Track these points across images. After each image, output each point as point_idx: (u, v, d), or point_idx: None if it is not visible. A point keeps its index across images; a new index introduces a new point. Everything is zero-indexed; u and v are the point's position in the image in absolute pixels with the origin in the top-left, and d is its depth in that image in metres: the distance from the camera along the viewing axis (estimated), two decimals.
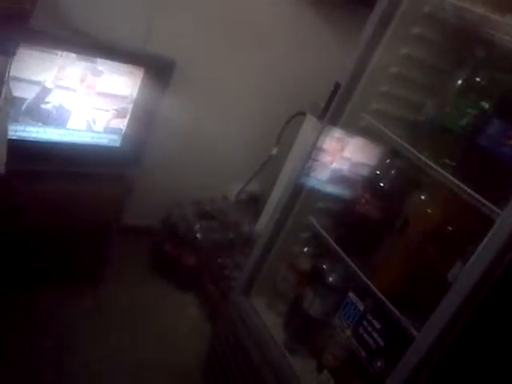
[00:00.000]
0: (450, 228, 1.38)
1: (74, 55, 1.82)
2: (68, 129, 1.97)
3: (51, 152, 1.91)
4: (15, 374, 1.75)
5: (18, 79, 1.71)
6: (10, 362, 1.77)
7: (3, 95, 1.24)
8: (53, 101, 1.86)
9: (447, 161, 1.40)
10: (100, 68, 1.91)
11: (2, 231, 1.38)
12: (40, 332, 1.94)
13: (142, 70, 1.99)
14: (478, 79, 1.36)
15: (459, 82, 1.42)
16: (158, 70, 2.02)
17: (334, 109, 1.66)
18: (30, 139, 1.88)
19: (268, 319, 1.85)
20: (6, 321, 1.87)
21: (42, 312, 2.02)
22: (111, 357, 1.98)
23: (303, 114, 2.53)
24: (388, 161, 1.62)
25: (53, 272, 2.11)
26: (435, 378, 1.28)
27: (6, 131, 1.35)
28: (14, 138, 1.81)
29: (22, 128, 1.84)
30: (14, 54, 1.23)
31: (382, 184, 1.60)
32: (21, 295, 1.99)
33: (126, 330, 2.14)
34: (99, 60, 1.89)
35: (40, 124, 1.88)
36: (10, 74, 1.51)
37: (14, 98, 1.45)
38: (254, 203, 2.84)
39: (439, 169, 1.37)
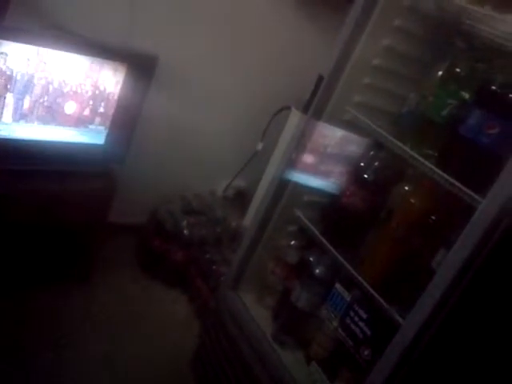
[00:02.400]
0: (433, 217, 1.40)
1: (56, 52, 1.81)
2: (51, 126, 1.95)
3: (34, 150, 1.91)
4: (7, 376, 1.74)
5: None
6: (1, 363, 1.77)
7: None
8: (34, 98, 1.85)
9: (430, 151, 1.42)
10: (83, 64, 1.90)
11: None
12: (30, 333, 1.93)
13: (125, 66, 1.99)
14: (458, 70, 1.38)
15: (440, 73, 1.43)
16: (140, 66, 2.02)
17: (318, 102, 1.67)
18: (11, 138, 1.86)
19: (257, 313, 1.86)
20: None
21: (32, 313, 2.01)
22: (102, 354, 1.98)
23: (288, 108, 2.54)
24: (372, 152, 1.63)
25: (40, 272, 2.10)
26: (421, 365, 1.30)
27: None
28: None
29: (3, 127, 1.83)
30: None
31: (366, 176, 1.61)
32: (10, 297, 1.98)
33: (115, 328, 2.14)
34: (82, 56, 1.88)
35: (22, 122, 1.87)
36: None
37: None
38: (241, 198, 2.85)
39: (422, 159, 1.38)
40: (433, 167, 1.35)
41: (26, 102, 1.84)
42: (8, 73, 1.74)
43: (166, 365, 2.07)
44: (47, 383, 1.79)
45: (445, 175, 1.31)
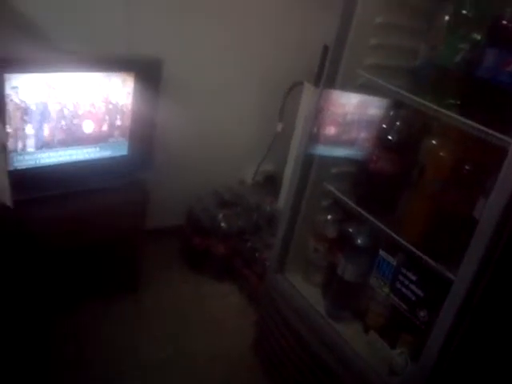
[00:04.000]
0: (466, 167, 1.37)
1: (63, 74, 1.84)
2: (73, 148, 1.99)
3: (62, 174, 1.94)
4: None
5: (15, 108, 1.74)
6: (66, 374, 1.84)
7: None
8: (52, 124, 1.88)
9: (451, 101, 1.38)
10: (91, 82, 1.92)
11: (28, 255, 1.42)
12: (91, 343, 2.01)
13: (133, 74, 1.99)
14: (464, 12, 1.32)
15: (447, 18, 1.38)
16: (147, 72, 2.02)
17: (328, 72, 1.64)
18: (38, 166, 1.90)
19: (306, 291, 1.87)
20: (56, 339, 1.94)
21: (90, 326, 2.09)
22: (164, 354, 2.05)
23: (301, 83, 2.51)
24: (392, 113, 1.60)
25: (93, 287, 2.17)
26: (481, 316, 1.28)
27: (4, 165, 1.36)
28: (20, 168, 1.85)
29: (27, 157, 1.87)
30: None
31: (390, 137, 1.58)
32: (67, 314, 2.05)
33: (173, 328, 2.20)
34: (88, 74, 1.90)
35: (45, 149, 1.91)
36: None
37: (8, 132, 1.45)
38: (271, 182, 2.84)
39: (444, 110, 1.35)
40: (456, 116, 1.31)
41: (46, 129, 1.87)
42: (22, 105, 1.77)
43: (230, 355, 2.12)
44: None
45: (470, 122, 1.26)
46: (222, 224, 2.50)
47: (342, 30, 1.58)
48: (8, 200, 1.34)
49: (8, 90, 1.71)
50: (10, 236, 1.31)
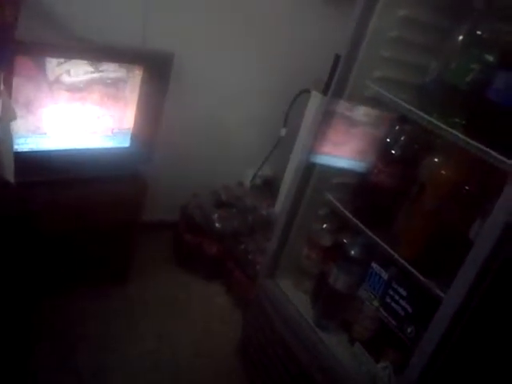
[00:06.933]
0: (466, 187, 1.37)
1: (71, 61, 1.83)
2: (76, 136, 1.98)
3: (63, 160, 1.94)
4: (54, 377, 1.80)
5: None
6: (49, 365, 1.82)
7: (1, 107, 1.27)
8: (58, 109, 1.88)
9: (457, 120, 1.37)
10: (99, 70, 1.92)
11: (22, 237, 1.42)
12: (75, 334, 1.99)
13: (142, 67, 1.99)
14: (479, 32, 1.33)
15: (460, 37, 1.39)
16: (157, 66, 2.02)
17: (337, 81, 1.64)
18: (39, 150, 1.90)
19: (296, 298, 1.86)
20: (40, 327, 1.92)
21: (75, 314, 2.07)
22: (148, 351, 2.03)
23: (308, 91, 2.51)
24: (397, 127, 1.60)
25: (80, 275, 2.15)
26: (467, 336, 1.28)
27: (11, 141, 1.37)
28: (24, 150, 1.84)
29: (30, 140, 1.87)
30: (4, 67, 1.24)
31: (393, 151, 1.58)
32: (52, 300, 2.03)
33: (158, 324, 2.18)
34: (96, 63, 1.89)
35: (48, 134, 1.90)
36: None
37: (15, 110, 1.46)
38: (269, 186, 2.84)
39: (449, 129, 1.35)
40: (461, 136, 1.31)
41: (51, 114, 1.87)
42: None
43: (213, 356, 2.10)
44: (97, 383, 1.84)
45: (474, 143, 1.27)
46: (217, 224, 2.50)
47: (356, 40, 1.59)
48: (11, 178, 1.35)
49: None
50: (11, 212, 1.32)
